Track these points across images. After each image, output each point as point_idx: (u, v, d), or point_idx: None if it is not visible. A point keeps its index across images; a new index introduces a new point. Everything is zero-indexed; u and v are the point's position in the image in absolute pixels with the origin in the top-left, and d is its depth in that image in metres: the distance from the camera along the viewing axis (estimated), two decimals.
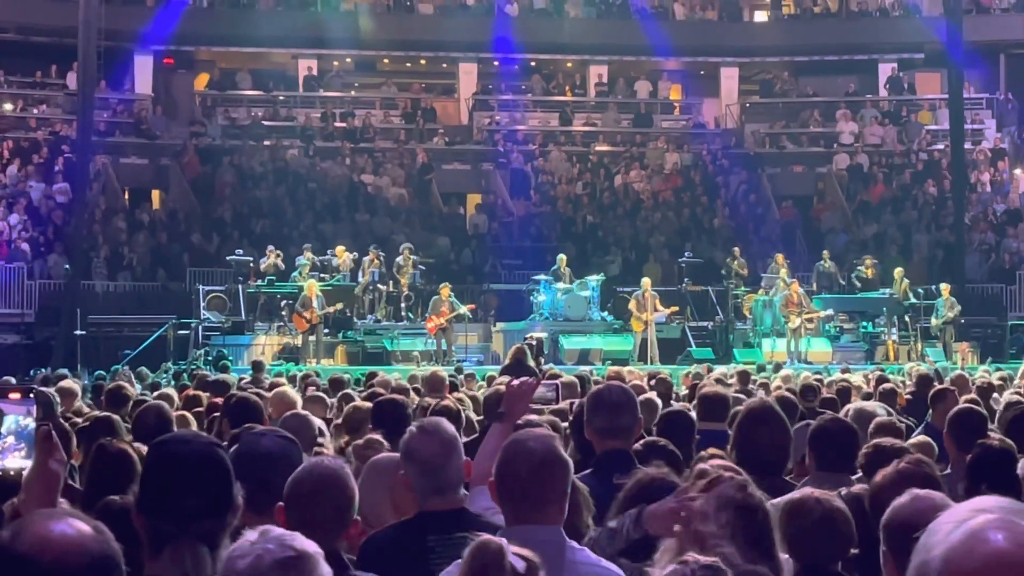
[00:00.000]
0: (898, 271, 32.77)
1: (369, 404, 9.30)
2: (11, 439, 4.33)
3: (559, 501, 4.55)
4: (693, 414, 8.49)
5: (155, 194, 41.51)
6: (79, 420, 9.98)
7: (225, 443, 4.63)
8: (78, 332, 30.40)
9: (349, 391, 13.50)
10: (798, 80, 47.89)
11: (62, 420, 9.11)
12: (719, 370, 20.22)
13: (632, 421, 6.38)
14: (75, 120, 36.45)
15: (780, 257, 33.50)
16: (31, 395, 4.47)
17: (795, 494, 5.01)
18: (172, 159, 41.05)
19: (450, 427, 5.20)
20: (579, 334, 30.96)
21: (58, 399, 11.36)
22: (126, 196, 40.52)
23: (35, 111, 41.45)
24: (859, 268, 33.57)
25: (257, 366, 20.93)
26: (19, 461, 4.29)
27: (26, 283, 34.37)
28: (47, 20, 40.07)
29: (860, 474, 6.30)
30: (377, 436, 7.04)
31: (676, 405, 10.42)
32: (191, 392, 13.15)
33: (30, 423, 4.32)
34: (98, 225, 36.62)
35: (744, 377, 16.72)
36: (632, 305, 30.63)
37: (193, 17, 42.68)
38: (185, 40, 43.37)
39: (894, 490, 4.51)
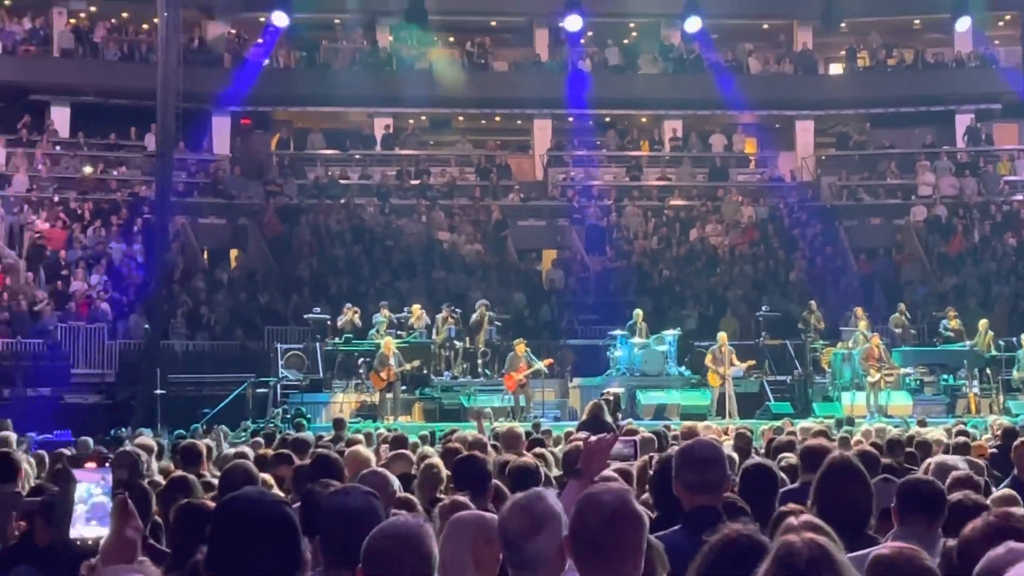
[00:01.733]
0: (983, 323, 32.26)
1: (433, 460, 9.38)
2: (82, 507, 4.34)
3: (633, 555, 4.46)
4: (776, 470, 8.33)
5: (233, 253, 41.78)
6: (160, 479, 10.05)
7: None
8: (158, 391, 30.53)
9: (427, 449, 13.46)
10: (874, 132, 47.64)
11: (141, 481, 9.15)
12: (803, 424, 20.00)
13: (721, 476, 6.27)
14: (154, 181, 36.75)
15: (859, 310, 33.19)
16: (107, 464, 4.49)
17: (883, 549, 4.87)
18: (249, 218, 41.36)
19: (543, 504, 4.77)
20: (656, 389, 30.80)
21: (144, 457, 11.46)
22: (204, 256, 40.84)
23: (115, 172, 41.96)
24: (944, 321, 33.17)
25: (338, 424, 21.00)
26: (96, 530, 4.30)
27: (107, 343, 34.72)
28: (126, 83, 40.70)
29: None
30: (462, 497, 6.97)
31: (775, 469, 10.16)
32: (261, 452, 13.13)
33: (103, 492, 4.34)
34: (177, 285, 36.89)
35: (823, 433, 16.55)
36: (709, 359, 30.42)
37: (270, 78, 43.14)
38: (262, 101, 43.83)
39: (983, 544, 4.43)
